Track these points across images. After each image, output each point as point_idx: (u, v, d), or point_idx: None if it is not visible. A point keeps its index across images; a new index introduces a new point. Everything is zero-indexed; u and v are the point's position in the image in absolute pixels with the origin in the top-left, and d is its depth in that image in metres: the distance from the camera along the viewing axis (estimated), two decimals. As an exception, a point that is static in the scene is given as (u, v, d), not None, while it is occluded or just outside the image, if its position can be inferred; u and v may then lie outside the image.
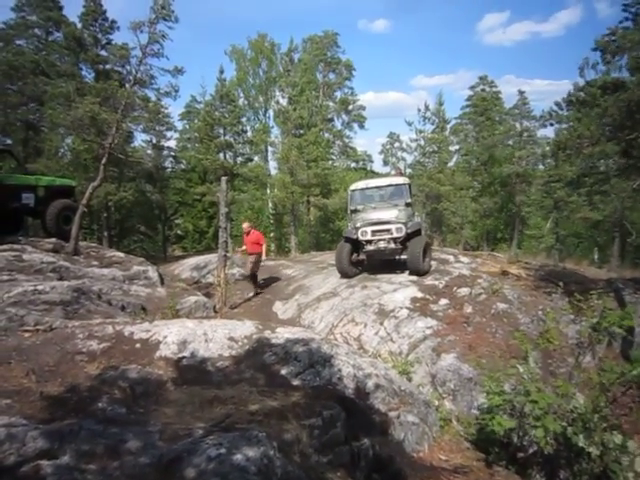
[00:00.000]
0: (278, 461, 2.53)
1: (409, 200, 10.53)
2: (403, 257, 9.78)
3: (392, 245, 9.81)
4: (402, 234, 9.74)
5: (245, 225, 10.72)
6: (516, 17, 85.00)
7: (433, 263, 10.74)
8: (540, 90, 62.22)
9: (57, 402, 3.23)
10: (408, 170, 33.28)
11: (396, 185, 11.01)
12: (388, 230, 9.86)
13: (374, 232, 9.94)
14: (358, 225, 10.18)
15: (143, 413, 3.22)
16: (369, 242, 9.98)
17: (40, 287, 6.10)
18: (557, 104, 11.74)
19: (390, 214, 10.14)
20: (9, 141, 25.04)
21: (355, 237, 10.09)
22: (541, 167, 30.21)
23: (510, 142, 31.95)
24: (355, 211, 11.03)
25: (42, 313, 5.25)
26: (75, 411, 3.12)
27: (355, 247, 10.32)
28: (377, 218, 10.12)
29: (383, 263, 10.29)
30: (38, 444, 2.54)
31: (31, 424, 2.76)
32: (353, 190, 11.40)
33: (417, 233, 10.00)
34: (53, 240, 9.94)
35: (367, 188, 11.29)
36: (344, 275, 10.18)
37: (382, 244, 9.87)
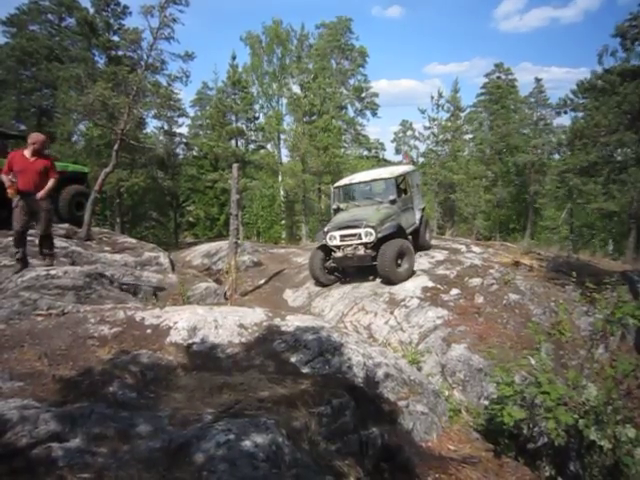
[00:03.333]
0: (287, 448, 2.54)
1: (393, 197, 9.48)
2: (376, 263, 8.69)
3: (360, 252, 8.72)
4: (372, 239, 8.61)
5: (34, 135, 6.31)
6: (534, 2, 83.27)
7: (444, 252, 10.65)
8: (557, 78, 61.21)
9: (69, 385, 3.26)
10: (420, 159, 33.02)
11: (381, 180, 10.11)
12: (357, 235, 8.75)
13: (343, 237, 8.89)
14: (326, 229, 9.20)
15: (153, 398, 3.25)
16: (339, 248, 8.98)
17: (53, 272, 6.17)
18: (573, 92, 11.51)
19: (362, 215, 9.06)
20: (23, 127, 25.28)
21: (323, 243, 9.15)
22: (556, 157, 29.78)
23: (525, 131, 31.51)
24: (338, 210, 10.11)
25: (55, 297, 5.31)
26: (86, 395, 3.15)
27: (328, 252, 9.27)
28: (347, 221, 9.08)
29: (359, 269, 9.29)
30: (50, 426, 2.56)
31: (43, 407, 2.79)
32: (336, 187, 10.59)
33: (395, 235, 8.77)
34: (66, 226, 10.04)
35: (351, 184, 10.48)
36: (318, 283, 9.44)
37: (349, 250, 8.84)
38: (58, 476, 2.20)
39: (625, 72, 9.96)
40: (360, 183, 10.48)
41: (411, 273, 8.89)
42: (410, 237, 10.15)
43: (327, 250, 9.19)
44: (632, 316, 3.99)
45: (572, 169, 16.46)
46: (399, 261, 8.60)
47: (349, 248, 8.83)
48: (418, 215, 10.49)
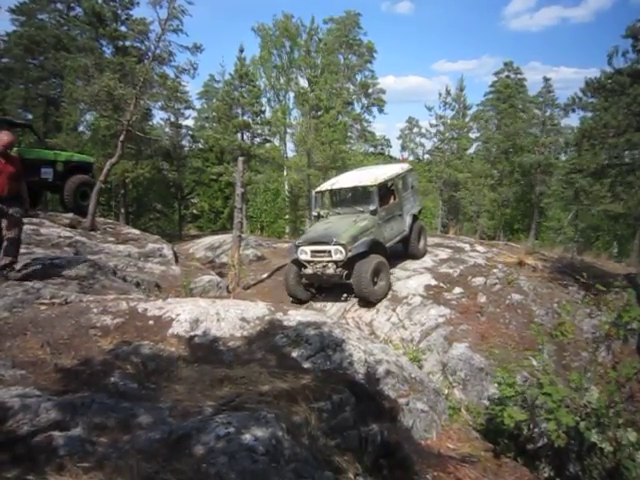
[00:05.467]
0: (286, 442, 2.53)
1: (374, 207, 8.79)
2: (350, 281, 8.15)
3: (330, 270, 8.19)
4: (342, 257, 8.06)
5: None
6: (545, 1, 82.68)
7: (448, 251, 10.62)
8: (566, 78, 60.87)
9: (70, 375, 3.27)
10: (426, 156, 32.91)
11: (363, 188, 9.24)
12: (327, 252, 8.22)
13: (314, 252, 8.39)
14: (297, 243, 8.72)
15: (154, 389, 3.25)
16: (310, 263, 8.46)
17: (57, 261, 6.18)
18: (582, 90, 11.36)
19: (334, 230, 8.40)
20: (30, 116, 25.32)
21: (295, 257, 8.65)
22: (563, 157, 29.60)
23: (533, 130, 31.31)
24: (318, 217, 9.59)
25: (58, 287, 5.32)
26: (88, 384, 3.16)
27: (302, 266, 8.71)
28: (318, 236, 8.51)
29: (336, 285, 8.69)
30: (51, 415, 2.57)
31: (44, 395, 2.80)
32: (317, 192, 9.97)
33: (370, 252, 8.13)
34: (70, 215, 10.06)
35: (332, 190, 9.79)
36: (295, 300, 8.89)
37: (319, 268, 8.31)
38: (58, 464, 2.21)
39: (636, 73, 9.85)
40: (341, 190, 9.82)
41: (388, 289, 8.44)
42: (400, 244, 9.77)
43: (301, 264, 8.69)
44: (638, 320, 3.96)
45: (579, 170, 16.34)
46: (375, 279, 8.11)
47: (319, 265, 8.34)
48: (409, 221, 9.74)
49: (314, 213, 9.82)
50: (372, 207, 8.83)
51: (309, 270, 8.43)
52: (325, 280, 8.46)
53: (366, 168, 11.71)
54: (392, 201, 9.55)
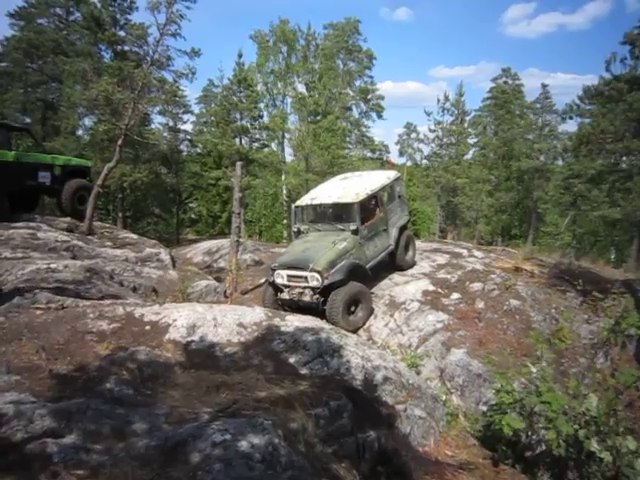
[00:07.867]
0: (283, 449, 2.51)
1: (355, 227, 8.22)
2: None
3: (306, 297, 7.73)
4: (319, 285, 7.57)
5: None
6: (543, 8, 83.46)
7: (446, 256, 10.61)
8: (564, 84, 61.33)
9: (65, 381, 3.25)
10: (424, 161, 33.00)
11: (344, 205, 8.61)
12: (304, 277, 7.75)
13: (290, 277, 7.94)
14: (273, 266, 8.23)
15: (150, 395, 3.23)
16: (287, 287, 8.01)
17: (53, 265, 6.17)
18: (580, 98, 11.42)
19: (311, 254, 7.89)
20: (28, 120, 25.31)
21: (272, 280, 8.15)
22: (560, 163, 29.74)
23: (530, 136, 31.46)
24: (298, 232, 9.09)
25: (54, 291, 5.29)
26: (83, 390, 3.14)
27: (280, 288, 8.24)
28: (295, 260, 8.02)
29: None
30: (45, 422, 2.55)
31: (39, 402, 2.78)
32: (297, 206, 9.42)
33: (349, 278, 7.65)
34: (68, 219, 10.05)
35: (311, 205, 9.25)
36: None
37: (296, 293, 7.86)
38: (52, 472, 2.18)
39: (633, 79, 9.92)
40: (320, 205, 9.21)
41: (368, 317, 7.98)
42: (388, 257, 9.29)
43: (277, 287, 8.22)
44: (636, 327, 3.95)
45: (577, 175, 16.38)
46: (352, 308, 7.68)
47: (295, 291, 7.88)
48: (395, 234, 9.23)
49: (294, 229, 9.25)
50: (353, 227, 8.27)
51: (285, 295, 7.98)
52: (302, 306, 7.86)
53: (350, 176, 10.81)
54: (377, 214, 8.96)
